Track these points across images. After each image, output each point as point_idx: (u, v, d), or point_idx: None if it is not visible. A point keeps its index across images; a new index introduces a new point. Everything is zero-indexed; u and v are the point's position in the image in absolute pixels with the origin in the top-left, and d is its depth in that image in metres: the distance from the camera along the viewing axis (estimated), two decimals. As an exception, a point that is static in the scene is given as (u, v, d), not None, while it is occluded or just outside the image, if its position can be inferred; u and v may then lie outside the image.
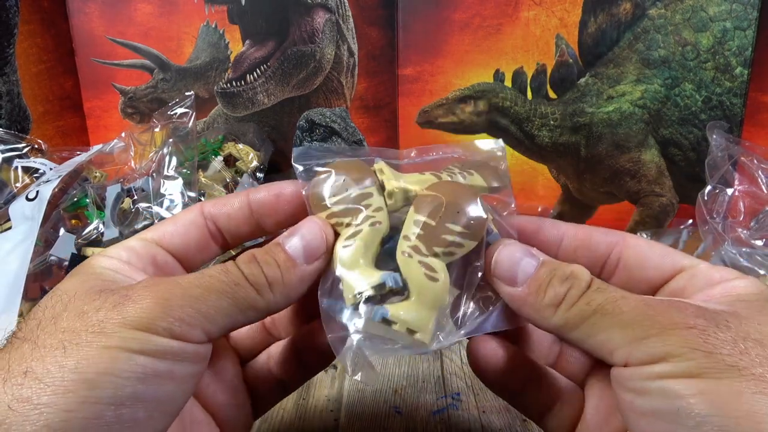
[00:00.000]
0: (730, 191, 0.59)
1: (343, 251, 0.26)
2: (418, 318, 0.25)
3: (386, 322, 0.25)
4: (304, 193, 0.28)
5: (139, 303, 0.21)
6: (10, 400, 0.18)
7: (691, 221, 0.64)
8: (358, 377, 0.25)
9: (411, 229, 0.27)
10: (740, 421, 0.19)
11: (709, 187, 0.60)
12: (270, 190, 0.28)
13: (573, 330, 0.24)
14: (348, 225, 0.27)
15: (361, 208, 0.27)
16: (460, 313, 0.28)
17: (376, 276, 0.26)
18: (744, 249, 0.55)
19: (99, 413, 0.19)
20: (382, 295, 0.26)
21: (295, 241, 0.25)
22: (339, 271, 0.26)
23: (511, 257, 0.26)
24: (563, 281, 0.24)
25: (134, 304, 0.21)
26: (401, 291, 0.26)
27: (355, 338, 0.25)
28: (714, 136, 0.61)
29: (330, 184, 0.27)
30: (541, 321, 0.25)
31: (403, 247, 0.27)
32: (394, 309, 0.25)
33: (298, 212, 0.28)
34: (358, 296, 0.25)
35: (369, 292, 0.25)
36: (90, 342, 0.20)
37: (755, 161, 0.58)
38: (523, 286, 0.25)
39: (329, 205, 0.27)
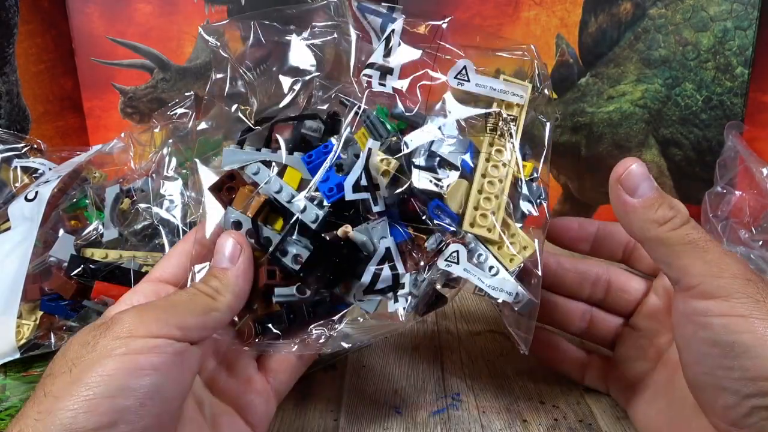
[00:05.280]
0: (738, 193, 0.59)
1: None
2: None
3: None
4: None
5: (123, 320, 0.28)
6: (36, 413, 0.25)
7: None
8: None
9: None
10: None
11: (717, 188, 0.60)
12: None
13: (663, 246, 0.31)
14: None
15: None
16: None
17: None
18: (740, 248, 0.55)
19: (96, 406, 0.25)
20: None
21: (218, 256, 0.33)
22: None
23: (639, 174, 0.33)
24: (671, 208, 0.32)
25: (119, 323, 0.28)
26: None
27: None
28: (730, 137, 0.61)
29: None
30: (641, 230, 0.32)
31: None
32: None
33: None
34: None
35: None
36: (88, 358, 0.26)
37: (762, 168, 0.58)
38: (640, 199, 0.32)
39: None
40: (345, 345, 0.35)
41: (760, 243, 0.56)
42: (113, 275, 0.49)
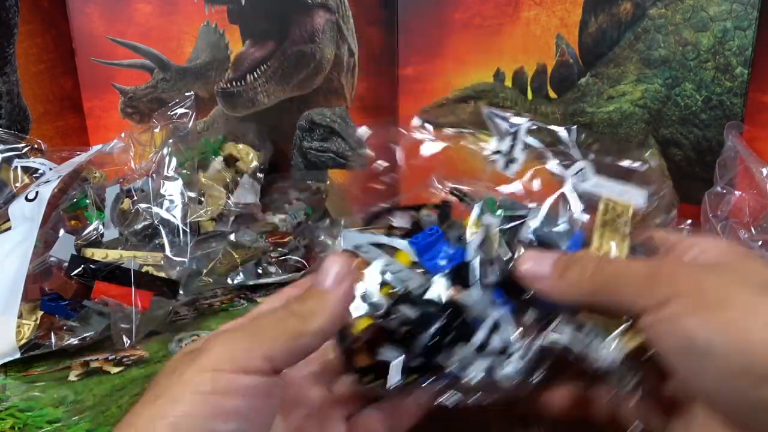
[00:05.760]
0: (738, 193, 0.59)
1: None
2: None
3: None
4: None
5: (211, 350, 0.27)
6: None
7: (690, 221, 0.64)
8: None
9: None
10: (734, 340, 0.24)
11: (717, 188, 0.60)
12: None
13: (597, 296, 0.28)
14: None
15: None
16: None
17: None
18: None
19: None
20: None
21: (321, 276, 0.30)
22: None
23: (533, 260, 0.31)
24: (575, 263, 0.29)
25: (207, 353, 0.27)
26: None
27: None
28: (730, 137, 0.61)
29: None
30: (570, 298, 0.30)
31: None
32: None
33: None
34: None
35: None
36: (174, 390, 0.26)
37: (762, 168, 0.58)
38: (550, 276, 0.30)
39: None
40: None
41: (760, 243, 0.56)
42: (113, 275, 0.49)
